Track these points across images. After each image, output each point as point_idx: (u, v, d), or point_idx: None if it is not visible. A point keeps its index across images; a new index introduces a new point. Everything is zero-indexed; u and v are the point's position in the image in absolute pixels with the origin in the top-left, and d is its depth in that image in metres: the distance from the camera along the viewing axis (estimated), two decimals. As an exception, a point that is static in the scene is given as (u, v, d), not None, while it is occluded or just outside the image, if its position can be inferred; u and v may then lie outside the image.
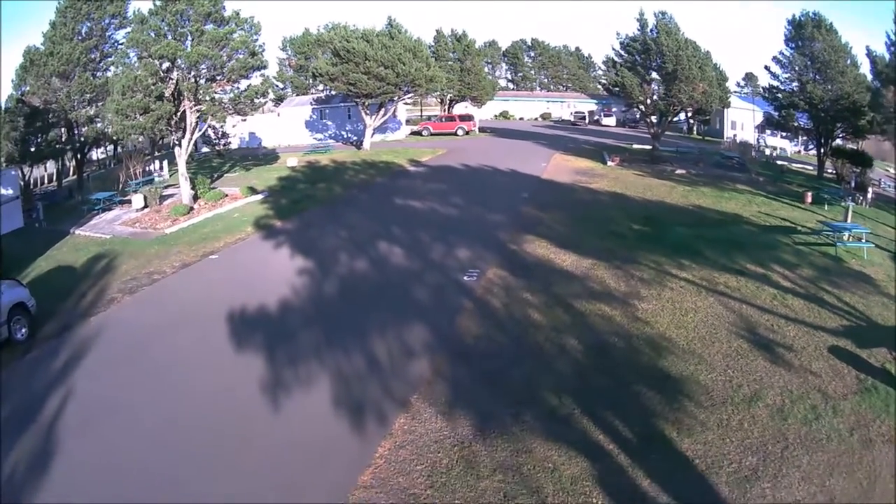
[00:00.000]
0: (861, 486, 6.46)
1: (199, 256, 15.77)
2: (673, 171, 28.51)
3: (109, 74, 26.89)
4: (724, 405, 7.98)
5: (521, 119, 64.71)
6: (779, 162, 35.23)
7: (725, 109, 44.19)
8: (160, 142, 31.62)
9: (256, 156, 35.98)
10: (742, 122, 44.82)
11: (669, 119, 33.67)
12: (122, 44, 25.22)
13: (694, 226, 17.73)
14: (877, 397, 8.13)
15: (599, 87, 48.20)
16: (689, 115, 45.02)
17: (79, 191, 26.78)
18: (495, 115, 64.36)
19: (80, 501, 6.33)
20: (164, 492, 6.52)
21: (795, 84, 29.83)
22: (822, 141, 29.53)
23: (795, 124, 30.79)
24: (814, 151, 32.00)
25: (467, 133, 44.78)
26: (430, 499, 6.37)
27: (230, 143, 29.51)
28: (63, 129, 27.16)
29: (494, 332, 10.56)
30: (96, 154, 34.90)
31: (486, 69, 63.53)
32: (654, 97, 31.85)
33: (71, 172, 31.34)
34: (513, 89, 77.97)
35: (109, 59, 27.26)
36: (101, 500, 6.33)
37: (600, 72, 46.35)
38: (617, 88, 32.40)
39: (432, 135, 44.60)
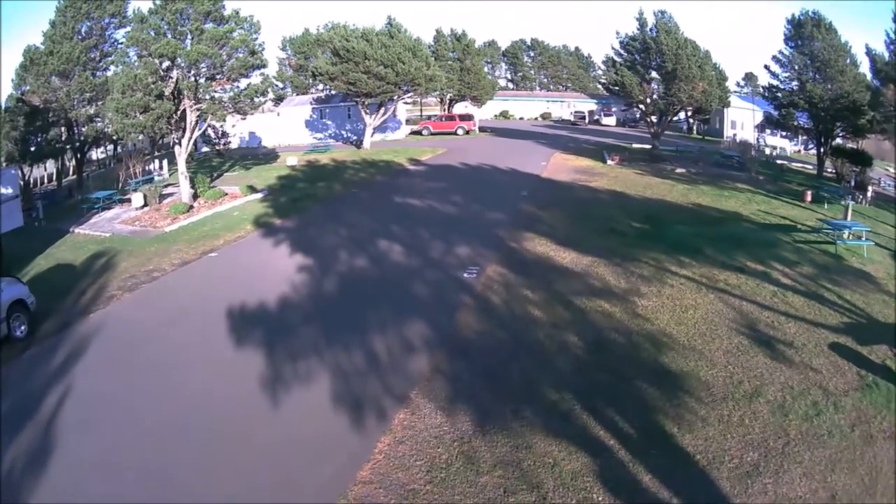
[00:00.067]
0: (863, 481, 6.44)
1: (199, 254, 15.75)
2: (673, 169, 28.49)
3: (109, 73, 26.89)
4: (724, 401, 7.97)
5: (520, 119, 64.68)
6: (778, 161, 35.21)
7: (725, 109, 44.17)
8: (160, 141, 31.56)
9: (256, 155, 35.98)
10: (742, 121, 44.80)
11: (669, 118, 33.68)
12: (121, 43, 25.20)
13: (694, 224, 17.72)
14: (878, 394, 8.12)
15: (599, 86, 48.21)
16: (689, 114, 45.00)
17: (78, 190, 26.78)
18: (495, 115, 64.33)
19: (79, 498, 6.31)
20: (164, 487, 6.50)
21: (795, 83, 29.82)
22: (822, 140, 29.51)
23: (795, 123, 30.76)
24: (813, 151, 31.99)
25: (467, 132, 44.75)
26: (430, 494, 6.34)
27: (230, 142, 29.45)
28: (63, 129, 27.14)
29: (494, 328, 10.54)
30: (96, 153, 34.89)
31: (485, 69, 63.49)
32: (654, 96, 31.85)
33: (71, 172, 31.32)
34: (513, 89, 77.97)
35: (109, 59, 27.22)
36: (99, 498, 6.31)
37: (600, 71, 46.40)
38: (617, 88, 32.40)
39: (432, 134, 44.57)
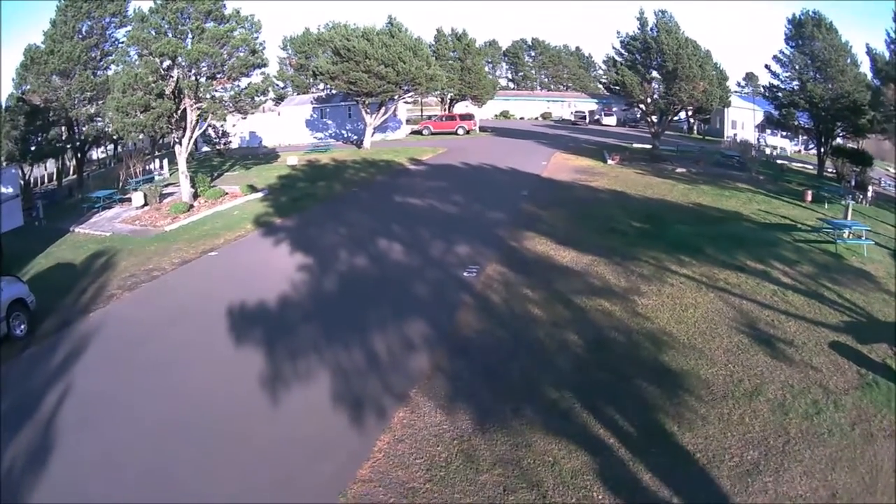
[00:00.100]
0: (863, 480, 6.43)
1: (199, 253, 15.74)
2: (673, 169, 28.47)
3: (110, 73, 26.92)
4: (724, 399, 7.96)
5: (521, 118, 64.68)
6: (779, 161, 35.19)
7: (726, 109, 44.14)
8: (160, 141, 31.61)
9: (257, 155, 35.99)
10: (742, 121, 44.79)
11: (670, 118, 33.66)
12: (122, 42, 25.27)
13: (694, 223, 17.71)
14: (878, 392, 8.11)
15: (600, 86, 48.16)
16: (690, 114, 45.05)
17: (79, 189, 26.78)
18: (496, 115, 64.32)
19: (79, 497, 6.30)
20: (163, 486, 6.49)
21: (796, 83, 29.81)
22: (823, 140, 29.50)
23: (796, 123, 30.76)
24: (814, 151, 31.98)
25: (468, 132, 44.73)
26: (429, 492, 6.34)
27: (230, 142, 29.49)
28: (63, 128, 27.17)
29: (494, 326, 10.53)
30: (96, 153, 34.92)
31: (486, 68, 63.45)
32: (655, 96, 31.83)
33: (71, 171, 31.34)
34: (513, 89, 77.95)
35: (110, 58, 27.25)
36: (99, 497, 6.30)
37: (601, 71, 46.36)
38: (617, 87, 32.38)
39: (433, 134, 44.57)
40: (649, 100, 31.96)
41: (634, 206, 20.26)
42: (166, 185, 25.19)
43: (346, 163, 31.02)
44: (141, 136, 26.09)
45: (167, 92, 21.10)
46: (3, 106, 24.35)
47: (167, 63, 21.10)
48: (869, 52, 25.18)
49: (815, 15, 28.46)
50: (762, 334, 9.92)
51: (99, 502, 6.23)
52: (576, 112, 60.26)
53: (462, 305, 11.50)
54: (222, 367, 9.31)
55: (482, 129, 47.45)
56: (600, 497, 6.21)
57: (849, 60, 27.84)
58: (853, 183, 24.84)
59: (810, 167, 32.39)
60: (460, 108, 53.55)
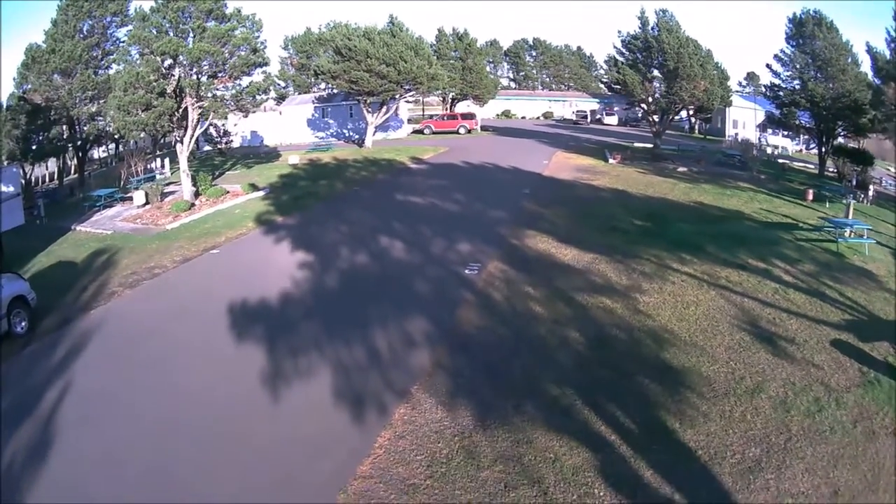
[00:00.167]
0: (865, 477, 6.41)
1: (200, 251, 15.75)
2: (675, 168, 28.46)
3: (111, 72, 26.96)
4: (726, 397, 7.94)
5: (523, 118, 64.71)
6: (780, 160, 35.16)
7: (727, 108, 44.15)
8: (162, 139, 31.65)
9: (258, 154, 36.02)
10: (744, 120, 44.78)
11: (671, 117, 33.66)
12: (123, 41, 25.29)
13: (695, 222, 17.68)
14: (880, 390, 8.09)
15: (601, 85, 48.29)
16: (691, 113, 45.08)
17: (80, 188, 26.82)
18: (497, 114, 64.35)
19: (79, 495, 6.29)
20: (164, 484, 6.49)
21: (797, 82, 29.80)
22: (824, 139, 29.47)
23: (797, 122, 30.74)
24: (815, 150, 31.96)
25: (469, 131, 44.74)
26: (430, 489, 6.33)
27: (232, 141, 29.49)
28: (64, 127, 27.22)
29: (496, 323, 10.52)
30: (98, 152, 35.01)
31: (487, 68, 63.52)
32: (656, 95, 31.83)
33: (72, 170, 31.40)
34: (515, 88, 77.99)
35: (111, 57, 27.32)
36: (99, 495, 6.29)
37: (602, 70, 46.33)
38: (619, 86, 32.41)
39: (434, 133, 44.57)
40: (650, 99, 31.96)
41: (636, 204, 20.24)
42: (168, 184, 25.22)
43: (347, 162, 31.02)
44: (142, 135, 26.15)
45: (168, 91, 21.12)
46: (5, 105, 24.41)
47: (168, 62, 21.12)
48: (869, 51, 25.18)
49: (815, 14, 28.46)
50: (764, 332, 9.90)
51: (99, 501, 6.22)
52: (577, 111, 60.27)
53: (463, 302, 11.49)
54: (223, 365, 9.30)
55: (484, 128, 47.47)
56: (602, 494, 6.19)
57: (849, 59, 27.83)
58: (854, 182, 24.81)
59: (811, 166, 32.37)
60: (462, 107, 53.58)
